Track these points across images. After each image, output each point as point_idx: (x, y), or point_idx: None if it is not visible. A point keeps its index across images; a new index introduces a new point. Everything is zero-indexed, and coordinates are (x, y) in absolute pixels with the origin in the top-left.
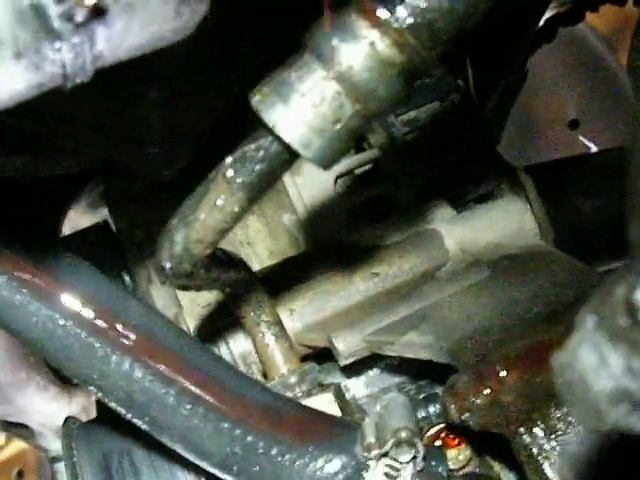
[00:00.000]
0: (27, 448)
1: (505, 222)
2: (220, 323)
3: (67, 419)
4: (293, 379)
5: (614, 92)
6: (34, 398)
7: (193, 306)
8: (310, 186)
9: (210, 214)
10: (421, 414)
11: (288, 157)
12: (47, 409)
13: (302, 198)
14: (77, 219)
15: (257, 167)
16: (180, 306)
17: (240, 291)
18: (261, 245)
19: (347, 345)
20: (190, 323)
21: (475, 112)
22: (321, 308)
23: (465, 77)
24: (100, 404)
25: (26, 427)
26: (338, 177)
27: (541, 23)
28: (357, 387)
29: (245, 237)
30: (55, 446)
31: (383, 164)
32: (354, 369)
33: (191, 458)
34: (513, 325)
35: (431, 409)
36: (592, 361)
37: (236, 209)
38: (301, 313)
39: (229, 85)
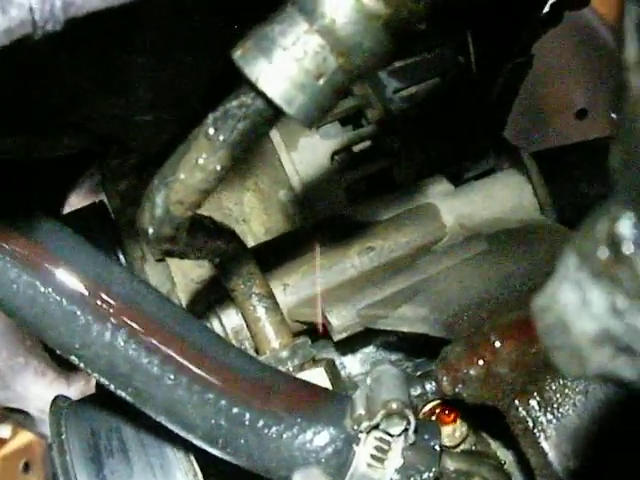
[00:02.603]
0: (34, 440)
1: (504, 197)
2: (213, 298)
3: (56, 397)
4: (285, 353)
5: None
6: (32, 383)
7: (187, 282)
8: (307, 162)
9: (191, 174)
10: (417, 391)
11: (271, 114)
12: (45, 394)
13: (298, 174)
14: (78, 204)
15: (239, 124)
16: (174, 282)
17: (231, 263)
18: (256, 222)
19: (341, 320)
20: (183, 299)
21: (477, 91)
22: (315, 283)
23: (467, 55)
24: (99, 388)
25: (26, 413)
26: (335, 153)
27: (547, 7)
28: (352, 364)
29: (240, 214)
30: None
31: (381, 140)
32: (349, 346)
33: (176, 430)
34: (510, 297)
35: (427, 386)
36: (573, 301)
37: (218, 168)
38: (295, 288)
39: (216, 54)
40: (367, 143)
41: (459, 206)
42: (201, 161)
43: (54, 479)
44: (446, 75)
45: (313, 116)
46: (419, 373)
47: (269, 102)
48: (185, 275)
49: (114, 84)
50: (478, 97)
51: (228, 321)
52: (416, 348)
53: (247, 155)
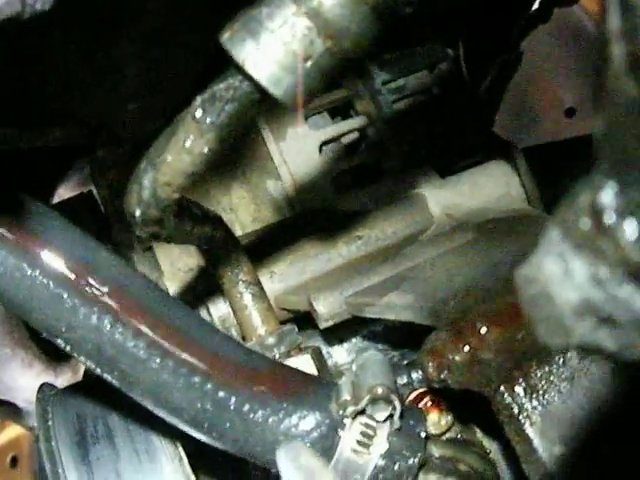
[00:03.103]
0: (21, 435)
1: (491, 187)
2: (200, 287)
3: (43, 385)
4: (271, 340)
5: None
6: (19, 375)
7: (174, 271)
8: (295, 152)
9: (178, 156)
10: (403, 380)
11: (258, 96)
12: (33, 386)
13: (286, 164)
14: (67, 196)
15: (227, 107)
16: (161, 271)
17: (218, 250)
18: (244, 212)
19: (327, 307)
20: (171, 288)
21: (465, 84)
22: (302, 271)
23: (457, 49)
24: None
25: (13, 405)
26: (323, 144)
27: (536, 4)
28: (339, 354)
29: (228, 203)
30: None
31: (369, 131)
32: (336, 336)
33: (162, 414)
34: (497, 285)
35: (413, 375)
36: (556, 272)
37: (205, 150)
38: (282, 275)
39: (206, 39)
40: (355, 134)
41: (446, 196)
42: (188, 143)
43: (40, 466)
44: (435, 68)
45: (300, 99)
46: (405, 362)
47: (256, 84)
48: (173, 264)
49: (105, 70)
50: (467, 91)
51: (215, 310)
52: (402, 338)
53: (235, 143)
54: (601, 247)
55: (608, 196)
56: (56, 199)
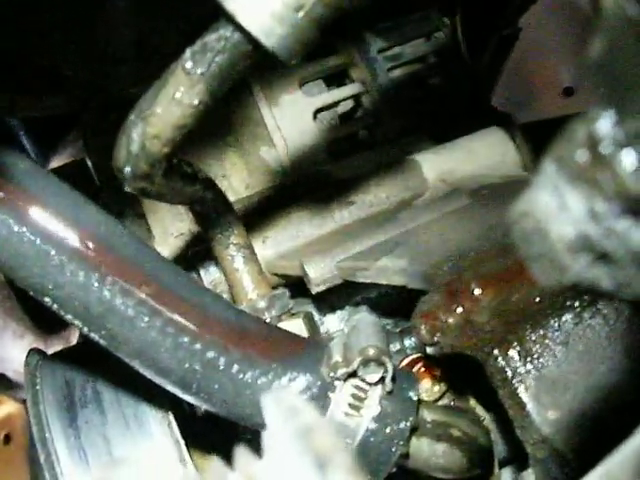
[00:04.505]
0: (14, 412)
1: (487, 153)
2: (192, 252)
3: (32, 350)
4: (262, 304)
5: None
6: (10, 346)
7: (165, 236)
8: (289, 119)
9: (168, 108)
10: (395, 347)
11: (249, 48)
12: (23, 357)
13: (280, 131)
14: None
15: (217, 58)
16: (152, 236)
17: (209, 211)
18: (237, 178)
19: (319, 272)
20: (162, 253)
21: (462, 55)
22: (294, 236)
23: (454, 18)
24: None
25: (4, 376)
26: (318, 111)
27: None
28: (331, 322)
29: (221, 170)
30: None
31: (364, 99)
32: (329, 304)
33: (150, 375)
34: (491, 249)
35: (406, 342)
36: (551, 206)
37: (195, 102)
38: (274, 240)
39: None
40: (350, 102)
41: (441, 162)
42: (178, 95)
43: (30, 431)
44: (431, 36)
45: (292, 50)
46: (398, 330)
47: (247, 35)
48: (164, 229)
49: (99, 32)
50: (463, 60)
51: (207, 275)
52: (395, 306)
53: (225, 97)
54: (598, 179)
55: (606, 126)
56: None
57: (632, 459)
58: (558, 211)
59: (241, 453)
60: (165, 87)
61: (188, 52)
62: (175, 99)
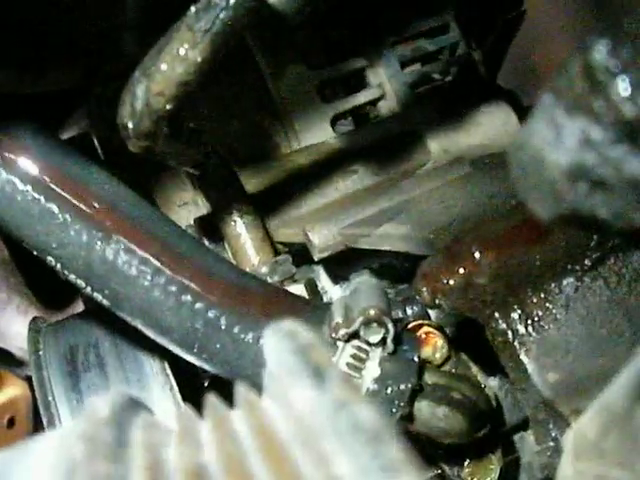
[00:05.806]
0: (18, 395)
1: (490, 124)
2: (196, 221)
3: (34, 318)
4: (264, 269)
5: None
6: (14, 321)
7: (169, 205)
8: (293, 91)
9: (172, 65)
10: (398, 315)
11: (254, 4)
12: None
13: (284, 103)
14: None
15: (221, 14)
16: (156, 206)
17: (212, 177)
18: (241, 149)
19: (322, 238)
20: None
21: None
22: (298, 204)
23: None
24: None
25: (8, 353)
26: (322, 84)
27: None
28: (334, 290)
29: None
30: None
31: (369, 73)
32: (331, 272)
33: (152, 335)
34: (492, 215)
35: (409, 311)
36: (548, 136)
37: (199, 59)
38: (277, 209)
39: None
40: (355, 75)
41: (444, 133)
42: (182, 52)
43: (33, 397)
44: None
45: (296, 6)
46: (400, 299)
47: None
48: (168, 199)
49: None
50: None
51: (210, 244)
52: (398, 275)
53: (228, 54)
54: (594, 107)
55: (601, 54)
56: None
57: (627, 386)
58: (554, 141)
59: (241, 388)
60: (169, 44)
61: (192, 9)
62: (179, 56)
